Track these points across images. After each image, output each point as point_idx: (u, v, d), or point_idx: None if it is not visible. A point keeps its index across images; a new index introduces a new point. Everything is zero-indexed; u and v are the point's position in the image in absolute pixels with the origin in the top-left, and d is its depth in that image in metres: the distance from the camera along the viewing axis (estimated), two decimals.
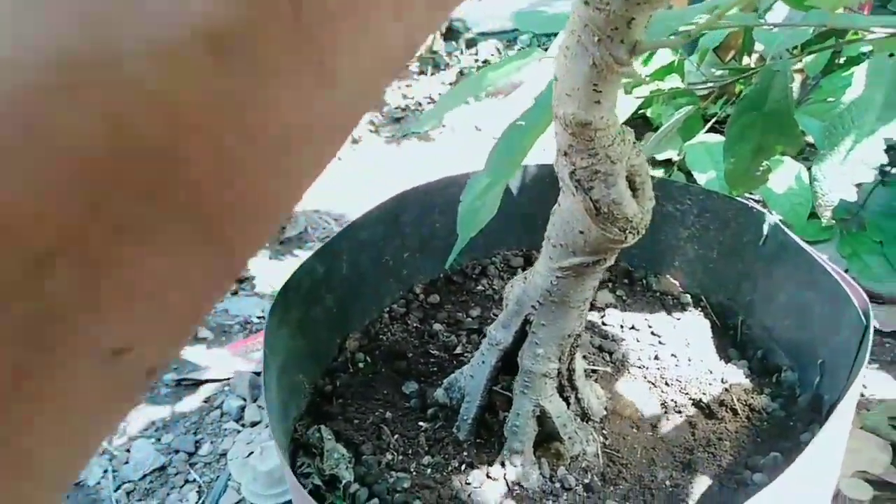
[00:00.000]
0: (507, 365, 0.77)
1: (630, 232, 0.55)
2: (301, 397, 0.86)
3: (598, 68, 0.45)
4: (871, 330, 0.69)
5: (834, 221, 1.44)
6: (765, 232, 0.89)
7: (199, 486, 1.19)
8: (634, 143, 0.53)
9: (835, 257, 1.52)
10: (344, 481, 0.75)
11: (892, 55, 0.84)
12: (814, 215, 1.63)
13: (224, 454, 1.24)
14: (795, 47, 1.35)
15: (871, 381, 1.25)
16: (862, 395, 1.23)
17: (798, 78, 1.80)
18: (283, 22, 0.14)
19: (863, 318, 0.71)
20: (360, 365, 0.94)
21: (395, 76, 0.19)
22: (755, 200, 1.56)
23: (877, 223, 1.55)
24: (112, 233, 0.13)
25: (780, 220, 1.48)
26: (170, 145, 0.13)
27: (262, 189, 0.16)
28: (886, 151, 1.59)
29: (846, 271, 1.48)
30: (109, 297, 0.13)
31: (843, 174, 0.85)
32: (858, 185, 0.88)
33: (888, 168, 1.61)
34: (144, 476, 1.22)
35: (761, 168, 1.00)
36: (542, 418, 0.76)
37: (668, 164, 1.80)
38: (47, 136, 0.11)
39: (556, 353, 0.71)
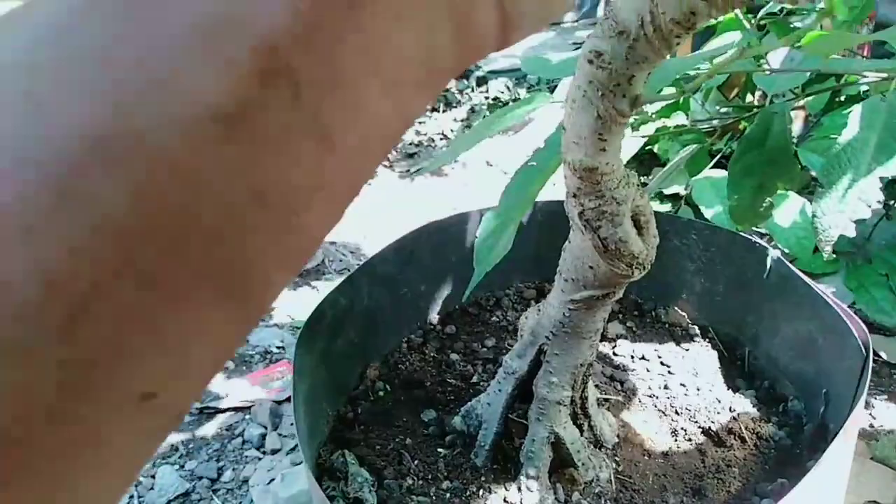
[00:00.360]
0: (523, 393, 0.81)
1: (636, 267, 0.59)
2: (324, 424, 0.90)
3: (603, 120, 0.50)
4: (871, 360, 0.72)
5: (835, 256, 1.47)
6: (768, 266, 0.93)
7: None
8: (638, 185, 0.58)
9: (841, 290, 1.55)
10: None
11: (884, 98, 0.88)
12: (818, 249, 1.66)
13: (246, 481, 1.27)
14: (797, 87, 1.40)
15: (880, 412, 1.27)
16: (871, 426, 1.26)
17: (801, 115, 1.86)
18: (284, 100, 0.16)
19: (863, 349, 0.74)
20: (381, 393, 0.98)
21: (395, 144, 0.21)
22: (761, 234, 1.60)
23: (882, 256, 1.58)
24: (139, 287, 0.14)
25: (785, 254, 1.52)
26: (189, 207, 0.14)
27: (276, 245, 0.17)
28: (887, 186, 1.63)
29: (853, 304, 1.51)
30: (138, 346, 0.14)
31: (842, 212, 0.89)
32: (857, 222, 0.92)
33: (892, 202, 1.65)
34: (169, 502, 1.25)
35: (764, 204, 1.05)
36: (557, 445, 0.79)
37: (675, 198, 1.85)
38: (82, 202, 0.13)
39: (570, 382, 0.75)
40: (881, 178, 0.86)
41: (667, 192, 1.88)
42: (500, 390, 0.81)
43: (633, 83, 0.49)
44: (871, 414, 1.28)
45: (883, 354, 1.38)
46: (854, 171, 0.88)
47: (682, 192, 1.84)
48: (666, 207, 1.84)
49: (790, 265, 0.89)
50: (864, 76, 0.94)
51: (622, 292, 0.66)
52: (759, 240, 0.94)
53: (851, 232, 0.91)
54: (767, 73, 1.08)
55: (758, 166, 1.03)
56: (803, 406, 0.88)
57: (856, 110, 0.91)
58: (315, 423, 0.87)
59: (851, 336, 0.76)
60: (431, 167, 1.97)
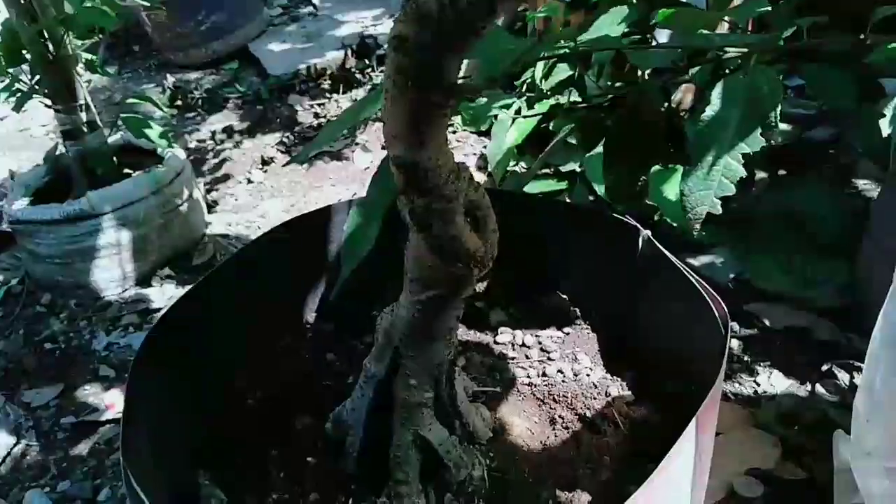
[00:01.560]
0: (389, 396, 0.77)
1: (476, 265, 0.56)
2: (180, 439, 0.83)
3: (417, 112, 0.46)
4: (728, 339, 0.72)
5: (720, 226, 1.50)
6: (640, 246, 0.91)
7: None
8: (471, 178, 0.54)
9: (729, 259, 1.59)
10: None
11: (744, 75, 0.88)
12: (708, 219, 1.69)
13: (124, 500, 1.19)
14: (681, 61, 1.41)
15: (763, 379, 1.30)
16: (755, 393, 1.29)
17: (692, 88, 1.88)
18: None
19: (721, 327, 0.73)
20: (250, 401, 0.92)
21: None
22: (654, 208, 1.61)
23: (766, 224, 1.62)
24: None
25: (673, 228, 1.53)
26: None
27: None
28: (770, 155, 1.66)
29: (740, 273, 1.55)
30: None
31: (708, 189, 0.89)
32: (723, 199, 0.92)
33: (777, 171, 1.70)
34: None
35: (639, 184, 1.04)
36: (425, 447, 0.76)
37: (571, 175, 1.84)
38: None
39: (430, 383, 0.71)
40: (743, 155, 0.86)
41: (563, 169, 1.87)
42: (362, 395, 0.76)
43: (444, 71, 0.45)
44: (755, 381, 1.31)
45: (766, 321, 1.42)
46: (718, 147, 0.87)
47: (578, 170, 1.84)
48: (562, 185, 1.83)
49: (658, 245, 0.88)
50: (727, 51, 0.93)
51: (470, 291, 0.62)
52: (630, 219, 0.93)
53: (718, 209, 0.90)
54: (641, 49, 1.07)
55: (630, 146, 1.01)
56: (678, 388, 0.88)
57: (717, 87, 0.90)
58: (169, 444, 0.80)
59: (712, 316, 0.75)
60: (303, 157, 1.89)
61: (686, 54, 1.34)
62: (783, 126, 2.00)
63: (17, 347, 1.58)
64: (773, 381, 1.31)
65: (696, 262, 1.58)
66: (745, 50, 0.91)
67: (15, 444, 1.33)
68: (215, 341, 0.90)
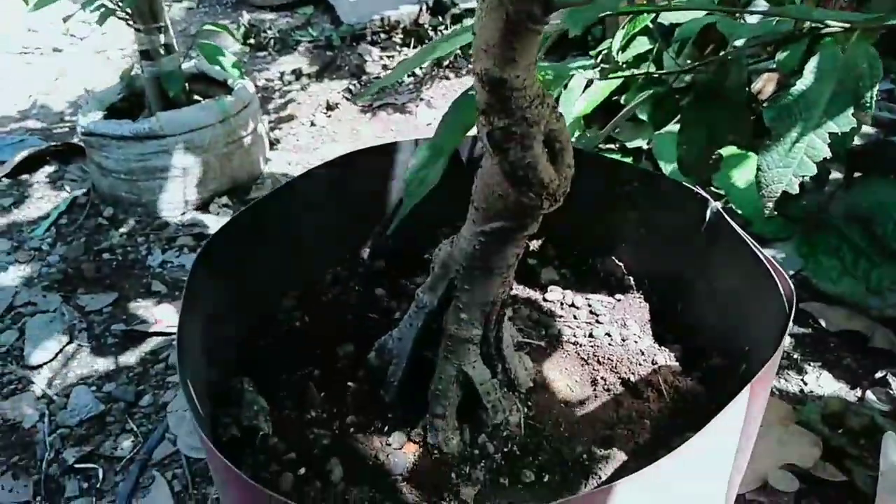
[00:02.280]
0: (437, 330, 0.77)
1: (547, 198, 0.55)
2: (229, 350, 0.86)
3: (513, 23, 0.45)
4: (791, 318, 0.69)
5: (776, 214, 1.45)
6: (707, 218, 0.89)
7: (136, 436, 1.19)
8: (555, 106, 0.53)
9: (792, 256, 1.54)
10: (261, 433, 0.74)
11: (843, 50, 0.83)
12: (777, 212, 1.64)
13: (164, 406, 1.23)
14: (769, 45, 1.35)
15: (811, 379, 1.27)
16: (801, 392, 1.25)
17: (775, 78, 1.80)
18: None
19: (787, 306, 0.71)
20: (297, 323, 0.94)
21: None
22: (719, 195, 1.57)
23: (836, 226, 1.56)
24: None
25: (739, 216, 1.49)
26: None
27: None
28: (849, 154, 1.59)
29: (800, 270, 1.50)
30: None
31: (787, 166, 0.85)
32: (801, 178, 0.88)
33: (852, 173, 1.63)
34: (81, 422, 1.21)
35: (713, 157, 1.01)
36: (466, 384, 0.76)
37: (638, 152, 1.80)
38: None
39: (481, 319, 0.71)
40: (830, 134, 0.82)
41: (630, 145, 1.83)
42: (411, 325, 0.77)
43: None
44: (802, 380, 1.27)
45: (822, 322, 1.37)
46: (804, 124, 0.84)
47: (645, 147, 1.79)
48: (627, 161, 1.79)
49: (727, 217, 0.85)
50: (828, 25, 0.89)
51: (536, 227, 0.61)
52: (699, 190, 0.90)
53: (795, 188, 0.87)
54: (733, 17, 1.03)
55: (709, 117, 0.98)
56: (726, 363, 0.86)
57: (811, 61, 0.86)
58: (217, 346, 0.82)
59: (777, 294, 0.73)
60: (373, 89, 1.88)
61: (775, 32, 1.28)
62: (865, 128, 1.92)
63: (78, 254, 1.64)
64: (821, 382, 1.27)
65: None
66: (847, 25, 0.86)
67: (68, 343, 1.38)
68: (270, 260, 0.91)
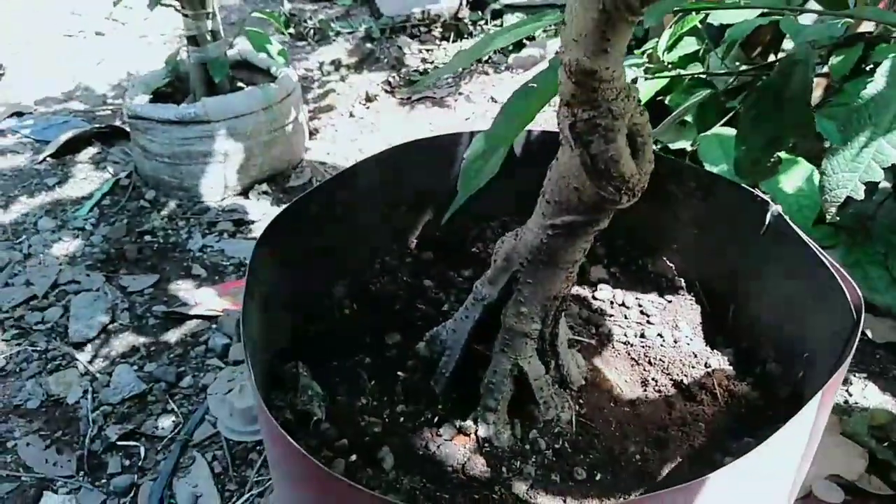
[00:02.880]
0: (491, 323, 0.77)
1: (626, 193, 0.54)
2: (282, 334, 0.86)
3: (608, 14, 0.44)
4: (860, 326, 0.68)
5: (836, 229, 1.42)
6: (767, 221, 0.87)
7: (177, 417, 1.20)
8: (639, 101, 0.52)
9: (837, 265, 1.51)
10: (315, 418, 0.75)
11: None
12: (820, 221, 1.61)
13: (204, 389, 1.25)
14: (822, 48, 1.32)
15: (856, 390, 1.25)
16: (845, 402, 1.23)
17: (822, 83, 1.77)
18: None
19: (854, 313, 0.70)
20: (346, 311, 0.94)
21: None
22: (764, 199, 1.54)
23: (884, 235, 1.53)
24: None
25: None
26: None
27: None
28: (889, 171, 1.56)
29: None
30: None
31: (854, 171, 0.84)
32: (867, 185, 0.86)
33: None
34: (123, 401, 1.23)
35: (772, 159, 0.99)
36: (520, 379, 0.75)
37: (681, 154, 1.78)
38: None
39: (540, 314, 0.70)
40: None
41: (673, 146, 1.81)
42: (466, 317, 0.76)
43: None
44: (847, 391, 1.25)
45: (868, 333, 1.35)
46: (873, 129, 0.82)
47: (689, 149, 1.77)
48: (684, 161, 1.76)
49: (790, 222, 0.83)
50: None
51: (608, 222, 0.60)
52: (760, 192, 0.88)
53: (860, 194, 0.85)
54: (796, 18, 1.01)
55: (771, 117, 0.96)
56: (782, 369, 0.84)
57: (884, 64, 0.85)
58: (271, 331, 0.83)
59: (843, 300, 0.71)
60: (423, 84, 1.88)
61: (835, 34, 1.25)
62: None
63: (120, 235, 1.66)
64: (866, 394, 1.25)
65: None
66: None
67: (110, 322, 1.40)
68: (323, 247, 0.91)
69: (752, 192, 0.91)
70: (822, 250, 0.78)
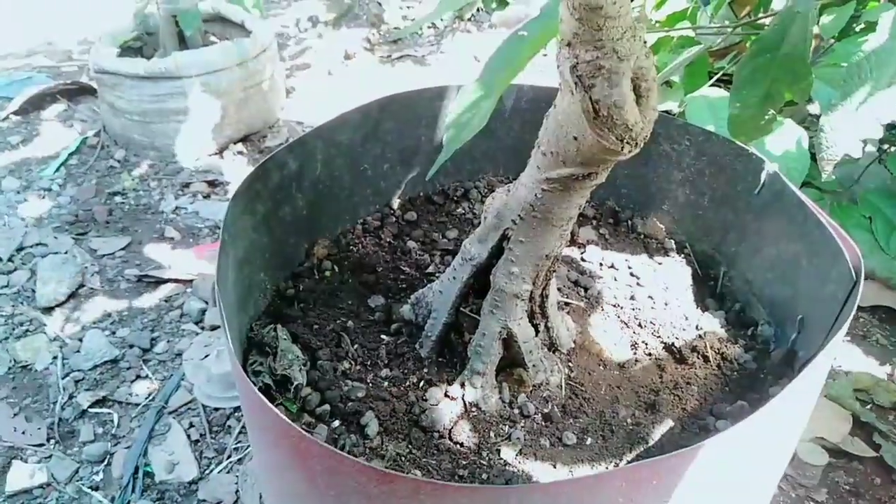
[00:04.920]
0: (479, 285, 0.74)
1: (628, 142, 0.50)
2: (261, 296, 0.82)
3: None
4: (860, 286, 0.66)
5: (834, 178, 1.41)
6: (762, 180, 0.85)
7: (151, 383, 1.16)
8: (645, 42, 0.48)
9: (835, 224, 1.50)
10: (295, 383, 0.71)
11: None
12: (806, 184, 1.59)
13: (180, 354, 1.21)
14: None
15: (842, 353, 1.24)
16: (830, 366, 1.23)
17: (812, 42, 1.74)
18: None
19: (853, 273, 0.68)
20: (327, 273, 0.90)
21: None
22: None
23: (869, 199, 1.52)
24: None
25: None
26: None
27: None
28: (886, 129, 1.55)
29: None
30: None
31: (853, 127, 0.81)
32: (864, 143, 0.84)
33: (887, 146, 1.58)
34: (95, 367, 1.18)
35: (767, 116, 0.96)
36: (509, 341, 0.73)
37: (667, 115, 1.74)
38: None
39: (532, 275, 0.67)
40: None
41: (659, 108, 1.77)
42: (454, 278, 0.73)
43: None
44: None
45: None
46: (874, 84, 0.79)
47: (676, 110, 1.74)
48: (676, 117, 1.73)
49: (786, 180, 0.81)
50: None
51: (605, 175, 0.57)
52: (755, 150, 0.86)
53: (858, 152, 0.83)
54: None
55: (768, 72, 0.93)
56: (774, 331, 0.83)
57: (886, 16, 0.81)
58: (250, 293, 0.79)
59: (841, 260, 0.69)
60: (403, 33, 1.82)
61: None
62: None
63: (89, 196, 1.59)
64: (851, 357, 1.25)
65: None
66: None
67: (80, 286, 1.35)
68: (301, 206, 0.87)
69: (748, 149, 0.88)
70: (820, 210, 0.75)
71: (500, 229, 0.66)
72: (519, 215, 0.63)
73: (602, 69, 0.47)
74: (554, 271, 0.72)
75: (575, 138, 0.52)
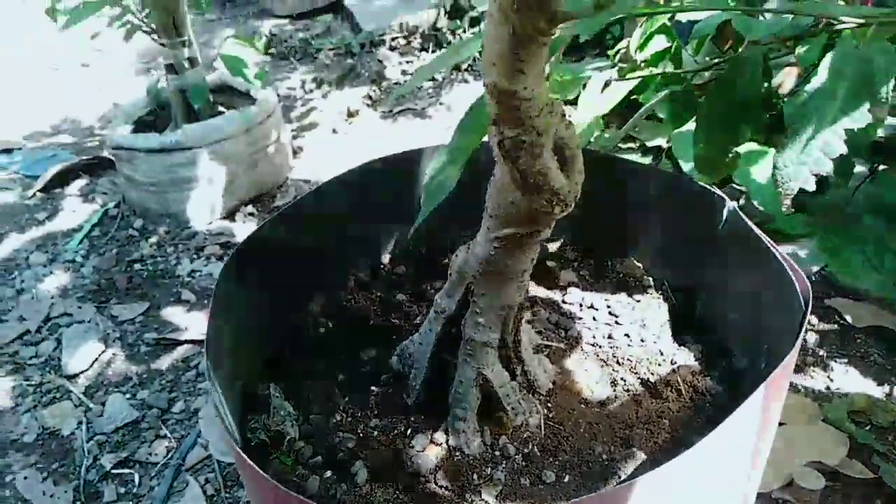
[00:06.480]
0: (455, 333, 0.79)
1: (557, 204, 0.56)
2: (257, 355, 0.88)
3: (519, 37, 0.46)
4: (808, 314, 0.69)
5: (793, 211, 1.44)
6: (725, 216, 0.89)
7: (169, 442, 1.22)
8: (564, 114, 0.54)
9: (816, 251, 1.52)
10: (288, 437, 0.77)
11: (857, 46, 0.83)
12: (800, 208, 1.62)
13: (196, 412, 1.27)
14: (789, 39, 1.34)
15: (838, 375, 1.26)
16: (827, 388, 1.24)
17: (794, 72, 1.79)
18: None
19: (802, 303, 0.71)
20: (322, 329, 0.96)
21: None
22: (741, 191, 1.56)
23: (861, 220, 1.55)
24: None
25: (760, 212, 1.48)
26: None
27: None
28: (872, 148, 1.58)
29: (824, 267, 1.49)
30: None
31: (803, 164, 0.85)
32: (817, 176, 0.88)
33: (877, 166, 1.61)
34: (117, 429, 1.25)
35: (730, 154, 1.01)
36: (485, 387, 0.77)
37: (658, 150, 1.80)
38: None
39: (498, 323, 0.72)
40: (846, 130, 0.82)
41: (649, 144, 1.83)
42: (430, 330, 0.78)
43: None
44: (828, 377, 1.26)
45: (848, 318, 1.36)
46: (819, 121, 0.84)
47: (665, 145, 1.79)
48: (647, 160, 1.79)
49: (743, 216, 0.85)
50: (842, 21, 0.89)
51: (549, 232, 0.63)
52: (716, 189, 0.90)
53: (811, 185, 0.87)
54: (750, 15, 1.03)
55: (727, 114, 0.98)
56: (747, 362, 0.86)
57: (826, 58, 0.86)
58: (247, 353, 0.85)
59: (794, 289, 0.73)
60: (394, 96, 1.91)
61: (793, 28, 1.27)
62: (890, 119, 1.89)
63: (110, 265, 1.69)
64: (847, 379, 1.26)
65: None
66: (862, 21, 0.86)
67: (102, 352, 1.43)
68: (295, 267, 0.94)
69: (710, 189, 0.93)
70: (772, 243, 0.80)
71: (464, 284, 0.71)
72: (478, 271, 0.68)
73: (524, 143, 0.53)
74: (521, 318, 0.77)
75: (512, 202, 0.58)
